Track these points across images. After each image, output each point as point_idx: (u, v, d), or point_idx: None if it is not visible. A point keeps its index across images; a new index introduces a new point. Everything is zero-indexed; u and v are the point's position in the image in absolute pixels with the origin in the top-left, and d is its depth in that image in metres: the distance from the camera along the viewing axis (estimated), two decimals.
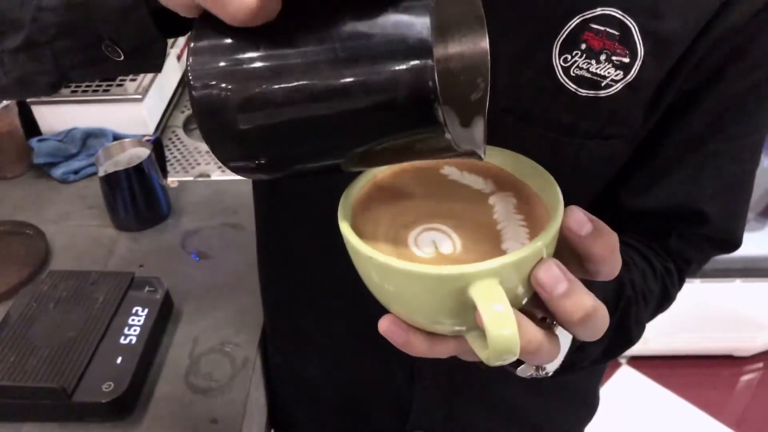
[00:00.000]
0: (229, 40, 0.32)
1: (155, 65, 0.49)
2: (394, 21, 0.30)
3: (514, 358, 0.35)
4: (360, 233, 0.39)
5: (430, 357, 0.39)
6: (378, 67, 0.31)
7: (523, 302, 0.37)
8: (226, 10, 0.30)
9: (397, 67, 0.30)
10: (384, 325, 0.38)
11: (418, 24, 0.30)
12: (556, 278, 0.34)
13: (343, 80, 0.31)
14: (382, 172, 0.44)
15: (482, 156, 0.38)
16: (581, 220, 0.35)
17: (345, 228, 0.38)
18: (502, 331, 0.33)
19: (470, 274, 0.33)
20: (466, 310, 0.34)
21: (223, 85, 0.32)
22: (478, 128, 0.41)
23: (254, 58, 0.32)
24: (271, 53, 0.32)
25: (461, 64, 0.42)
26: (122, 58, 0.47)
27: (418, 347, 0.38)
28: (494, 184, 0.42)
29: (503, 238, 0.38)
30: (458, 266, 0.33)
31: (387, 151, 0.35)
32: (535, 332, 0.36)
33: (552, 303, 0.35)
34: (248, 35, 0.32)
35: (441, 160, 0.44)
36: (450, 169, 0.43)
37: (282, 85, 0.32)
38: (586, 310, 0.35)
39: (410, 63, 0.30)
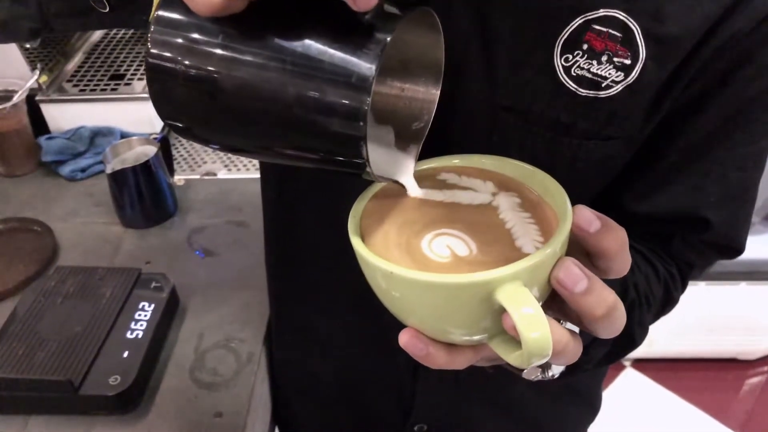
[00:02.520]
0: (192, 19, 0.34)
1: (139, 20, 0.50)
2: (347, 53, 0.32)
3: (546, 360, 0.35)
4: (371, 247, 0.39)
5: (449, 369, 0.39)
6: (320, 90, 0.32)
7: (540, 304, 0.37)
8: (194, 1, 0.32)
9: (335, 98, 0.32)
10: (404, 339, 0.38)
11: (366, 65, 0.32)
12: (576, 276, 0.34)
13: (285, 90, 0.33)
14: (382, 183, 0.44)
15: (406, 187, 0.40)
16: (589, 218, 0.36)
17: (358, 244, 0.39)
18: (535, 334, 0.33)
19: (497, 279, 0.33)
20: (491, 316, 0.35)
21: (177, 57, 0.35)
22: (410, 156, 0.43)
23: (211, 43, 0.34)
24: (228, 43, 0.34)
25: (410, 98, 0.44)
26: (107, 9, 0.48)
27: (439, 360, 0.38)
28: (494, 186, 0.42)
29: (515, 236, 0.38)
30: (484, 273, 0.33)
31: (308, 161, 0.37)
32: (562, 332, 0.36)
33: (574, 301, 0.35)
34: (212, 20, 0.34)
35: (439, 166, 0.46)
36: (448, 174, 0.44)
37: (230, 74, 0.34)
38: (608, 305, 0.36)
39: (348, 99, 0.32)
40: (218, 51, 0.34)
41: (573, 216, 0.36)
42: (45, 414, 0.76)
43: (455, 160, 0.45)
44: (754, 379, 2.10)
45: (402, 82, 0.44)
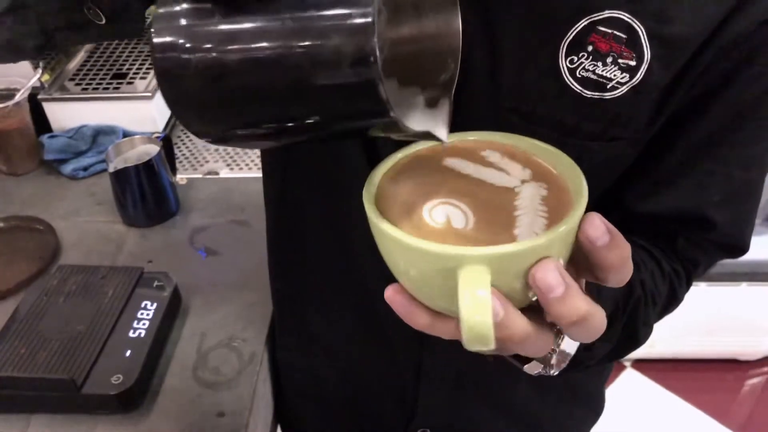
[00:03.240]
0: (191, 5, 0.34)
1: (136, 29, 0.51)
2: None
3: (489, 348, 0.35)
4: (380, 199, 0.39)
5: (432, 334, 0.39)
6: (323, 40, 0.31)
7: (533, 298, 0.37)
8: None
9: (339, 42, 0.31)
10: (389, 293, 0.38)
11: (363, 1, 0.30)
12: (552, 280, 0.34)
13: (291, 49, 0.32)
14: (425, 148, 0.44)
15: (443, 139, 0.38)
16: (600, 230, 0.35)
17: (366, 192, 0.39)
18: (476, 317, 0.33)
19: (461, 256, 0.33)
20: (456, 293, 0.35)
21: (181, 42, 0.34)
22: (443, 110, 0.41)
23: (212, 23, 0.33)
24: (227, 19, 0.33)
25: (430, 42, 0.42)
26: (104, 21, 0.48)
27: (420, 321, 0.38)
28: (530, 174, 0.41)
29: (518, 224, 0.37)
30: (453, 247, 0.33)
31: (336, 126, 0.36)
32: (523, 325, 0.35)
33: (546, 304, 0.35)
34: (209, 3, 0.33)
35: (483, 141, 0.44)
36: (490, 152, 0.43)
37: (233, 48, 0.33)
38: (580, 315, 0.35)
39: (354, 38, 0.30)
40: (219, 27, 0.33)
41: (584, 224, 0.35)
42: (47, 413, 0.76)
43: (507, 140, 0.44)
44: (755, 380, 2.10)
45: (419, 31, 0.41)
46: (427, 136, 0.37)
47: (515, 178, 0.41)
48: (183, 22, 0.34)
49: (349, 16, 0.30)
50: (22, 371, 0.73)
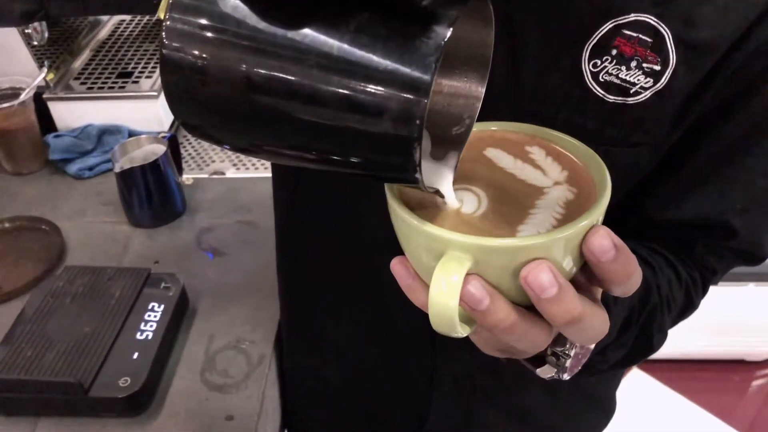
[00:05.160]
0: (215, 1, 0.30)
1: (146, 4, 0.48)
2: (403, 43, 0.29)
3: (457, 333, 0.35)
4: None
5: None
6: (371, 86, 0.29)
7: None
8: None
9: (389, 95, 0.29)
10: (393, 262, 0.38)
11: (427, 60, 0.28)
12: (544, 281, 0.33)
13: (328, 86, 0.29)
14: (472, 133, 0.43)
15: (448, 200, 0.38)
16: (605, 247, 0.34)
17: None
18: (441, 300, 0.33)
19: (445, 239, 0.33)
20: None
21: (197, 47, 0.30)
22: (450, 164, 0.39)
23: (239, 30, 0.30)
24: (260, 30, 0.30)
25: (451, 97, 0.40)
26: None
27: (418, 296, 0.38)
28: (566, 177, 0.40)
29: (527, 222, 0.37)
30: (438, 228, 0.34)
31: (351, 169, 0.34)
32: (506, 313, 0.35)
33: (539, 304, 0.34)
34: (238, 3, 0.30)
35: (529, 137, 0.43)
36: (534, 149, 0.42)
37: (261, 67, 0.30)
38: (573, 316, 0.34)
39: (404, 96, 0.29)
40: (247, 40, 0.30)
41: (591, 236, 0.34)
42: (54, 416, 0.75)
43: (561, 141, 0.42)
44: (762, 381, 2.10)
45: (444, 80, 0.40)
46: (437, 193, 0.37)
47: (549, 179, 0.40)
48: (205, 19, 0.30)
49: (407, 69, 0.28)
50: (29, 374, 0.73)
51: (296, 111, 0.31)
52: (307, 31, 0.30)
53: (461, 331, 0.36)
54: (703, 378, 2.08)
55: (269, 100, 0.31)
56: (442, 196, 0.38)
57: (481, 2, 0.34)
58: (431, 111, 0.40)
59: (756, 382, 2.09)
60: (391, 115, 0.29)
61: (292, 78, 0.30)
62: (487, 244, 0.33)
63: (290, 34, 0.30)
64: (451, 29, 0.29)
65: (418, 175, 0.31)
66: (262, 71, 0.30)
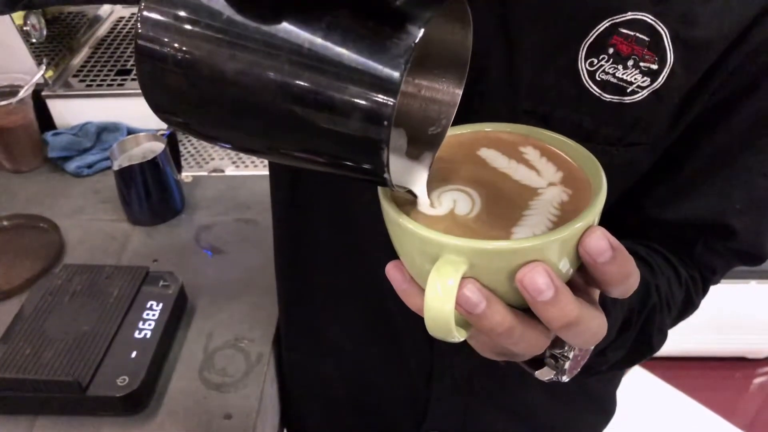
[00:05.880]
0: None
1: None
2: (374, 43, 0.29)
3: (453, 338, 0.35)
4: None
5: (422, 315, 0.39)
6: (339, 85, 0.29)
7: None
8: None
9: (358, 94, 0.29)
10: (389, 267, 0.38)
11: (397, 61, 0.28)
12: (541, 283, 0.33)
13: (298, 82, 0.29)
14: (464, 133, 0.43)
15: (421, 199, 0.37)
16: (601, 248, 0.34)
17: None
18: (436, 305, 0.33)
19: (439, 243, 0.33)
20: None
21: (170, 38, 0.31)
22: (424, 164, 0.39)
23: (212, 22, 0.30)
24: (232, 23, 0.30)
25: (428, 99, 0.40)
26: None
27: (414, 300, 0.38)
28: (561, 178, 0.40)
29: (521, 223, 0.37)
30: (433, 231, 0.33)
31: (312, 162, 0.34)
32: (503, 316, 0.34)
33: (535, 307, 0.34)
34: None
35: (523, 137, 0.43)
36: (528, 149, 0.42)
37: (232, 60, 0.30)
38: (570, 319, 0.34)
39: (373, 97, 0.28)
40: (218, 32, 0.30)
41: (587, 237, 0.34)
42: (52, 415, 0.75)
43: (556, 142, 0.42)
44: (763, 378, 2.09)
45: (420, 81, 0.40)
46: (409, 192, 0.37)
47: (544, 180, 0.40)
48: (180, 10, 0.30)
49: (376, 69, 0.28)
50: (27, 373, 0.72)
51: (266, 106, 0.31)
52: (278, 26, 0.29)
53: (457, 336, 0.35)
54: (705, 375, 2.07)
55: (238, 93, 0.31)
56: (416, 196, 0.37)
57: (458, 3, 0.33)
58: (408, 111, 0.40)
59: (757, 380, 2.09)
60: (360, 115, 0.29)
61: (262, 73, 0.30)
62: (482, 247, 0.33)
63: (262, 28, 0.30)
64: (423, 30, 0.28)
65: (386, 176, 0.31)
66: (231, 64, 0.30)
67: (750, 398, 2.05)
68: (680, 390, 2.03)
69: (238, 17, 0.30)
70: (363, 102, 0.29)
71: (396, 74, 0.28)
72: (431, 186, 0.39)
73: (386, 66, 0.28)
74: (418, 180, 0.38)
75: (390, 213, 0.36)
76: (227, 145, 0.37)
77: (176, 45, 0.31)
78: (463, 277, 0.33)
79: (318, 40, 0.29)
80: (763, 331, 2.01)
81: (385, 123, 0.29)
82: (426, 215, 0.37)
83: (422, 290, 0.37)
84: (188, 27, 0.30)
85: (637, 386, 2.04)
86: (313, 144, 0.32)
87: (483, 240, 0.33)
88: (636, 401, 1.98)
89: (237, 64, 0.30)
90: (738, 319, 1.96)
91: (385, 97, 0.28)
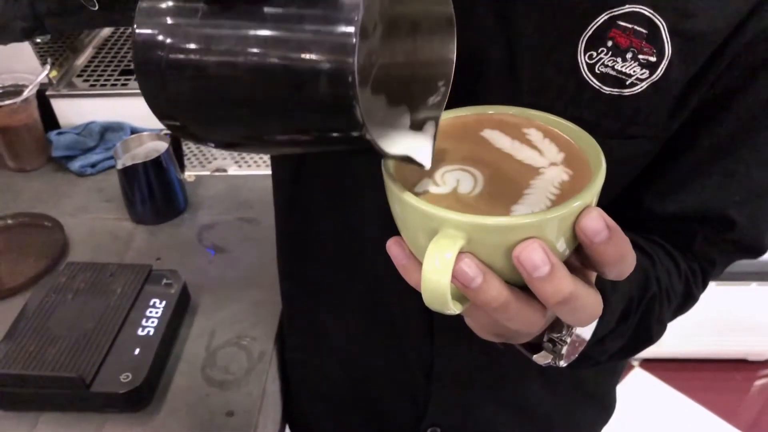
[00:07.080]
0: (175, 2, 0.33)
1: (129, 18, 0.50)
2: (328, 7, 0.30)
3: (449, 311, 0.36)
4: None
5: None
6: (300, 50, 0.30)
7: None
8: None
9: (319, 58, 0.30)
10: (390, 242, 0.39)
11: (349, 15, 0.29)
12: (537, 259, 0.33)
13: (268, 59, 0.31)
14: (469, 115, 0.44)
15: (424, 165, 0.38)
16: (597, 228, 0.34)
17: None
18: (434, 277, 0.34)
19: (439, 217, 0.34)
20: None
21: (159, 40, 0.33)
22: (428, 134, 0.40)
23: (192, 24, 0.32)
24: (207, 20, 0.32)
25: (424, 63, 0.41)
26: (96, 8, 0.47)
27: (414, 276, 0.38)
28: (563, 158, 0.41)
29: (520, 201, 0.37)
30: (432, 206, 0.34)
31: (310, 143, 0.35)
32: (499, 290, 0.35)
33: (531, 283, 0.35)
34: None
35: (526, 119, 0.44)
36: (531, 131, 0.43)
37: (210, 50, 0.32)
38: (565, 295, 0.35)
39: (332, 57, 0.29)
40: (198, 28, 0.32)
41: (583, 218, 0.35)
42: (56, 411, 0.75)
43: (559, 125, 0.43)
44: (764, 380, 2.09)
45: (411, 50, 0.41)
46: (407, 160, 0.38)
47: (546, 160, 0.40)
48: (164, 19, 0.33)
49: (331, 31, 0.30)
50: (31, 369, 0.73)
51: (242, 89, 0.32)
52: (238, 12, 0.31)
53: (453, 308, 0.36)
54: (705, 377, 2.07)
55: (213, 82, 0.33)
56: (419, 165, 0.38)
57: None
58: (406, 84, 0.41)
59: (758, 382, 2.09)
60: (325, 78, 0.30)
61: (230, 58, 0.31)
62: (480, 222, 0.33)
63: (224, 12, 0.32)
64: None
65: (367, 135, 0.31)
66: (211, 53, 0.32)
67: (751, 400, 2.05)
68: (681, 392, 2.03)
69: (209, 13, 0.32)
70: (326, 64, 0.30)
71: (350, 29, 0.29)
72: (436, 166, 0.40)
73: (340, 23, 0.29)
74: (423, 150, 0.39)
75: (393, 189, 0.37)
76: (223, 142, 0.38)
77: (159, 50, 0.33)
78: (461, 252, 0.34)
79: (275, 11, 0.31)
80: (763, 333, 2.01)
81: (350, 79, 0.29)
82: (430, 193, 0.38)
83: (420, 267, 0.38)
84: (170, 28, 0.33)
85: (638, 388, 2.04)
86: (296, 120, 0.33)
87: (482, 216, 0.34)
88: (637, 403, 1.98)
89: (214, 57, 0.32)
90: (739, 321, 1.95)
91: (343, 55, 0.29)
